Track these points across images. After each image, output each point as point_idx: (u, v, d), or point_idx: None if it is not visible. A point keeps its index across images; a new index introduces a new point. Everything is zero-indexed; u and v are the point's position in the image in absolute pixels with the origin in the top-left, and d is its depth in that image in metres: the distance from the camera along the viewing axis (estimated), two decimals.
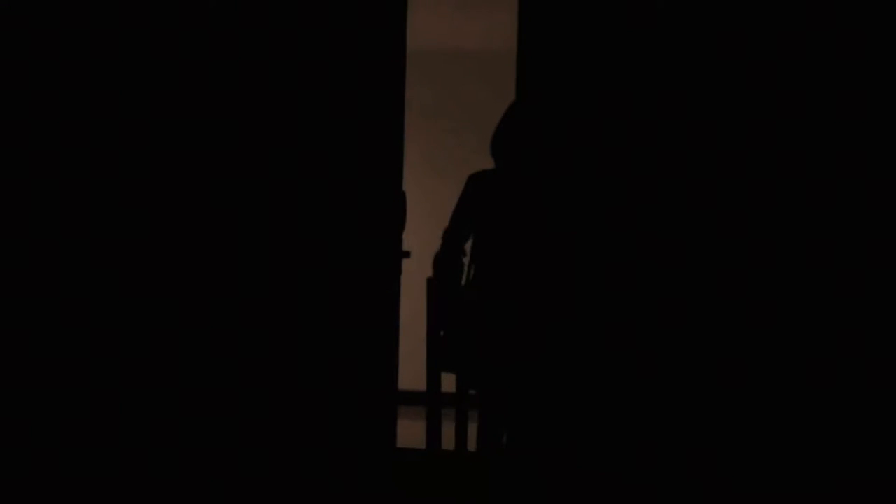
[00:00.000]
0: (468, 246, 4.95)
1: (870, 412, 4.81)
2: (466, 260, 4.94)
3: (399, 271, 5.15)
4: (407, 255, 5.20)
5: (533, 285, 4.71)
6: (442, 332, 4.91)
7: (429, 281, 4.96)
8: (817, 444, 4.84)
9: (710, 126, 4.90)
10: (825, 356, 4.84)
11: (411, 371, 6.02)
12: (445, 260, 4.86)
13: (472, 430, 4.94)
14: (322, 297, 5.05)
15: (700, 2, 4.92)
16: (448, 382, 4.96)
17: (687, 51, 4.92)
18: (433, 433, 5.03)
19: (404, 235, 5.27)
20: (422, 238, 5.73)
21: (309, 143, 5.07)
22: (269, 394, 5.04)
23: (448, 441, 5.08)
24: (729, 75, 4.89)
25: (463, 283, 4.91)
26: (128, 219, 5.07)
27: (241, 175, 5.07)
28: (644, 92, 4.94)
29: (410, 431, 5.67)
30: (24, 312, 5.08)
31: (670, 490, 4.87)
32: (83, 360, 5.07)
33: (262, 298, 5.05)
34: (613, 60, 4.96)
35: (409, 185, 7.92)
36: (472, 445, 4.99)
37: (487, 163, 4.99)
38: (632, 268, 4.91)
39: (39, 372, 5.08)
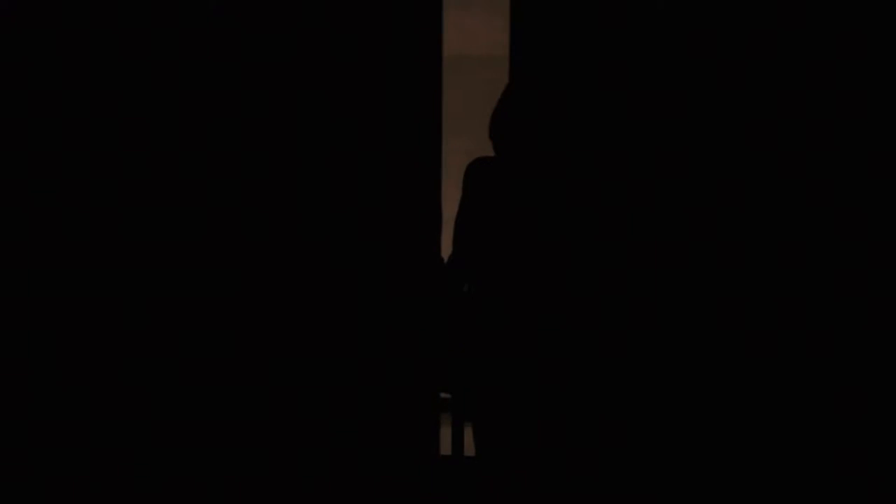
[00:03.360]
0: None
1: (869, 414, 4.81)
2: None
3: (438, 271, 5.13)
4: None
5: (554, 298, 4.00)
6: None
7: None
8: (817, 446, 4.84)
9: (712, 134, 4.92)
10: (824, 357, 4.84)
11: None
12: (459, 272, 4.12)
13: (470, 432, 4.92)
14: (358, 299, 5.06)
15: (699, 3, 4.95)
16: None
17: (686, 52, 4.94)
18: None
19: None
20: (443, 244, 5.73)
21: (342, 145, 5.11)
22: (299, 396, 5.04)
23: (445, 446, 5.08)
24: (729, 79, 4.92)
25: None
26: (147, 219, 5.09)
27: (278, 177, 5.08)
28: (638, 96, 4.96)
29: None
30: (23, 312, 5.10)
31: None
32: (87, 360, 5.07)
33: (297, 301, 5.04)
34: (609, 63, 4.99)
35: None
36: (469, 450, 4.98)
37: None
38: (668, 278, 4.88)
39: (39, 372, 5.08)
